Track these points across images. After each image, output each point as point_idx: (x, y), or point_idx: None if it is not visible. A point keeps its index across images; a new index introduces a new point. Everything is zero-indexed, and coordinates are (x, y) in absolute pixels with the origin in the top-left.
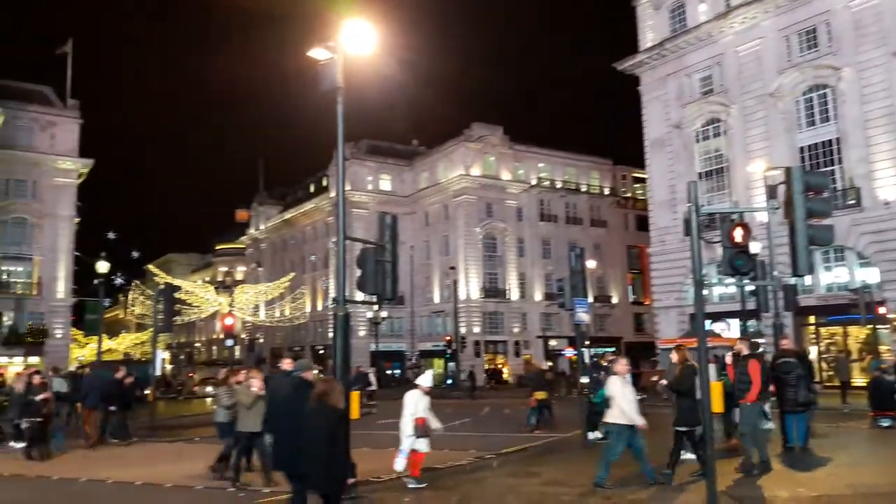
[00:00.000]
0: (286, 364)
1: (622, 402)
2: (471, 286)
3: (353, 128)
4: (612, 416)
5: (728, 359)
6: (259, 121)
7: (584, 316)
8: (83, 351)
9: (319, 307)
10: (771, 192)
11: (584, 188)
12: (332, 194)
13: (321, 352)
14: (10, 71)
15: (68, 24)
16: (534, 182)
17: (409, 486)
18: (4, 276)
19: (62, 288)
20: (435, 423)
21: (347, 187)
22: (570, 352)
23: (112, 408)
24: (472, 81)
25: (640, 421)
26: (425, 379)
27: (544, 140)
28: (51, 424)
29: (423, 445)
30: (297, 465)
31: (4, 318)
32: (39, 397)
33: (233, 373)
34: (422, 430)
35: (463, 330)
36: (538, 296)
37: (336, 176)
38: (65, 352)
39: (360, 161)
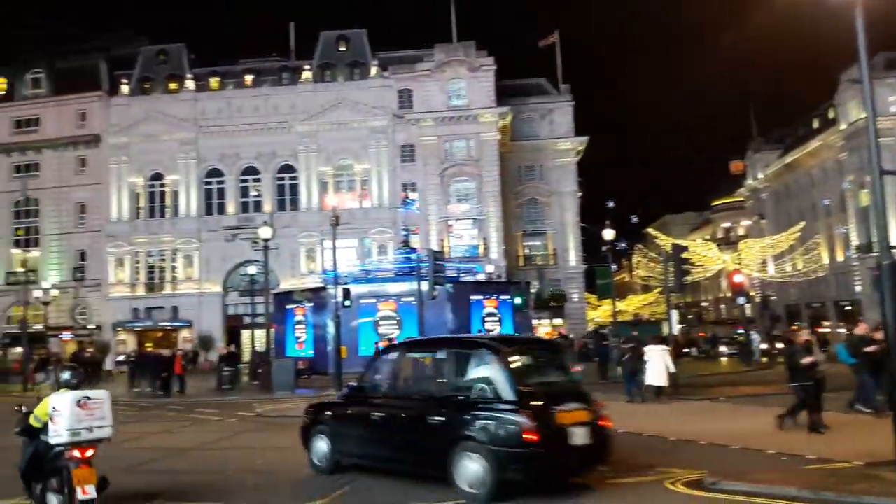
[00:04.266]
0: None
1: None
2: None
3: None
4: None
5: None
6: (741, 64)
7: None
8: (597, 313)
9: (839, 258)
10: None
11: None
12: (843, 126)
13: (847, 308)
14: (508, 71)
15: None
16: None
17: None
18: (527, 251)
19: (573, 257)
20: None
21: (863, 113)
22: None
23: None
24: None
25: None
26: None
27: None
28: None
29: None
30: None
31: (531, 287)
32: (805, 361)
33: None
34: None
35: None
36: None
37: (862, 98)
38: (581, 314)
39: (877, 80)
